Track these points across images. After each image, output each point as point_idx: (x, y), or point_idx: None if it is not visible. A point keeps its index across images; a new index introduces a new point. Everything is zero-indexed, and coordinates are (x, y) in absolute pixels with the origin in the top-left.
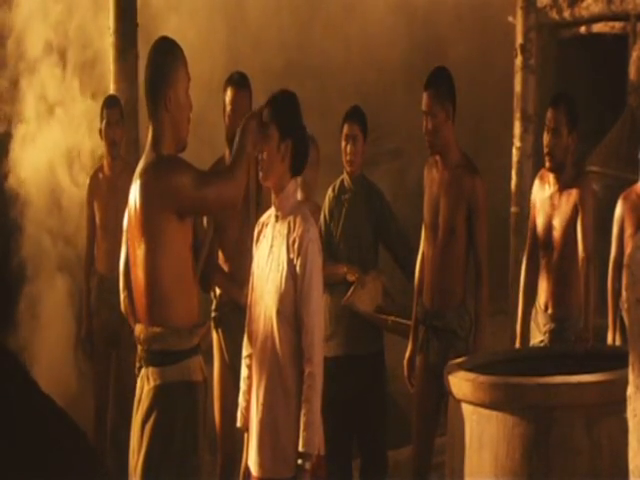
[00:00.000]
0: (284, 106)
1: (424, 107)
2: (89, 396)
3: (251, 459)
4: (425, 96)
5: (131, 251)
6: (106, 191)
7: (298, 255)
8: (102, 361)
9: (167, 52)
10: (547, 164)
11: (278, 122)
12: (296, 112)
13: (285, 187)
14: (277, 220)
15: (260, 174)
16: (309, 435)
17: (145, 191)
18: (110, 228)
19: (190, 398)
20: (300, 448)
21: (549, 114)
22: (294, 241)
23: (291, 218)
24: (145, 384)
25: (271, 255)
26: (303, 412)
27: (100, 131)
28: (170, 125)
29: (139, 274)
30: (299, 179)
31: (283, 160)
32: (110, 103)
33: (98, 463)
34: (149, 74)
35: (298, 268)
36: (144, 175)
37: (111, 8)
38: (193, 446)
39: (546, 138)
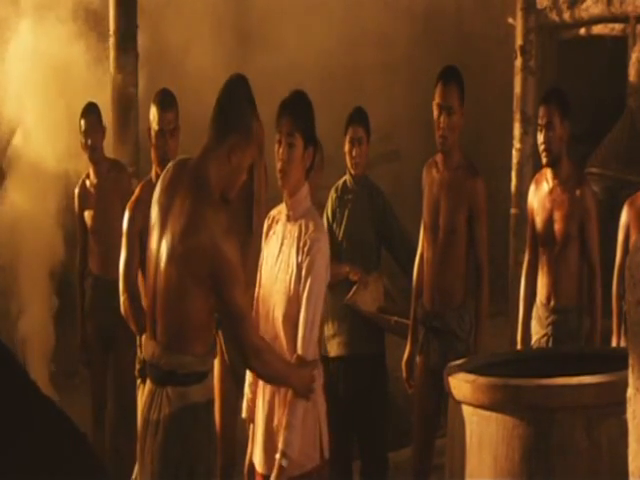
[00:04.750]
0: (306, 113)
1: (444, 101)
2: (87, 398)
3: (256, 456)
4: (446, 90)
5: (163, 280)
6: (95, 198)
7: (306, 258)
8: (99, 363)
9: (254, 118)
10: (544, 160)
11: (303, 131)
12: (314, 116)
13: (299, 190)
14: (288, 220)
15: (280, 181)
16: (289, 436)
17: (182, 243)
18: (103, 232)
19: (210, 416)
20: (280, 445)
21: (541, 111)
22: (304, 244)
23: (303, 221)
24: (165, 406)
25: (281, 255)
26: (286, 412)
27: (81, 143)
28: (224, 173)
29: (172, 305)
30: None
31: (304, 166)
32: (86, 112)
33: (98, 466)
34: (225, 116)
35: (303, 271)
36: (186, 222)
37: (111, 9)
38: (213, 463)
39: (540, 136)
